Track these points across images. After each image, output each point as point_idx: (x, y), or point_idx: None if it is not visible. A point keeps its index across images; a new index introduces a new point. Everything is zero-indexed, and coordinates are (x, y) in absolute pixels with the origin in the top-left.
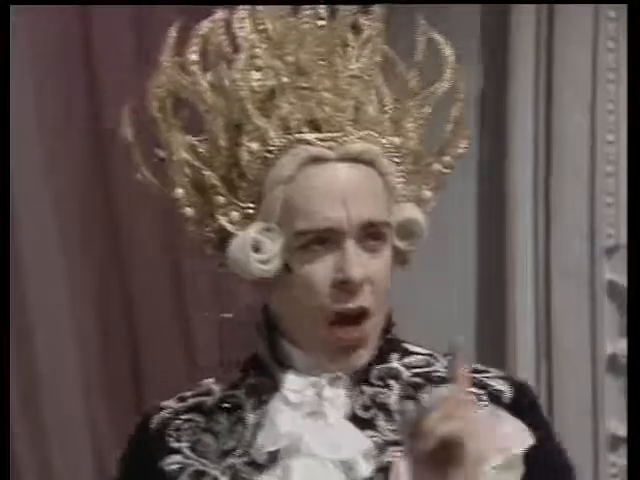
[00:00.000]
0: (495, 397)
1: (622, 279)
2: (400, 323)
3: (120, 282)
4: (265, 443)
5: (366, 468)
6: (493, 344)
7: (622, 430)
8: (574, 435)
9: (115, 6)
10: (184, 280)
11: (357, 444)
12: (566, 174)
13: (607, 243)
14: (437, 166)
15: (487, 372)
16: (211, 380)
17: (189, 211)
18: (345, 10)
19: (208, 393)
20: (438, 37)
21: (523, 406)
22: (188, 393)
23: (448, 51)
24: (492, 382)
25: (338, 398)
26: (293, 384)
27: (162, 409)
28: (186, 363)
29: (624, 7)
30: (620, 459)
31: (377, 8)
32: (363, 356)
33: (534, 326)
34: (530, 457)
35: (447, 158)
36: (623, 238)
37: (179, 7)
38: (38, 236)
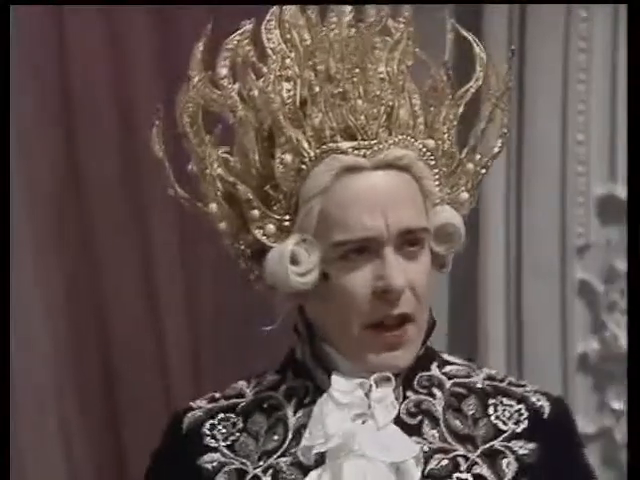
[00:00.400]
0: (535, 412)
1: (592, 278)
2: None
3: (91, 283)
4: (314, 444)
5: (417, 472)
6: (465, 343)
7: (591, 428)
8: None
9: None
10: (157, 282)
11: (407, 447)
12: (537, 174)
13: (578, 242)
14: (470, 166)
15: (525, 386)
16: (242, 382)
17: (223, 225)
18: (372, 15)
19: (241, 395)
20: (468, 35)
21: (562, 422)
22: (218, 394)
23: (478, 49)
24: (532, 398)
25: (387, 398)
26: (340, 385)
27: (194, 409)
28: (159, 364)
29: (596, 7)
30: (589, 457)
31: (406, 11)
32: (405, 357)
33: (505, 325)
34: (564, 474)
35: (479, 157)
36: (594, 237)
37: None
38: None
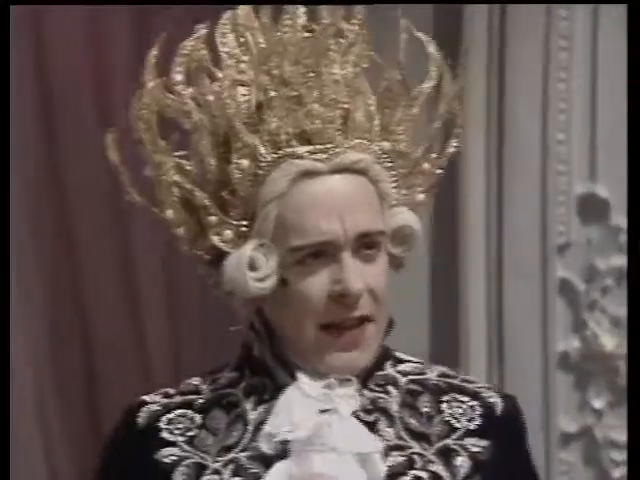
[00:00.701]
0: (488, 409)
1: (573, 277)
2: None
3: (72, 285)
4: (278, 431)
5: (383, 466)
6: (446, 342)
7: (572, 427)
8: None
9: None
10: (138, 284)
11: (373, 441)
12: (518, 172)
13: (558, 241)
14: (426, 166)
15: (476, 382)
16: (197, 379)
17: (181, 231)
18: (327, 17)
19: (197, 392)
20: (422, 35)
21: (514, 419)
22: (172, 390)
23: (432, 48)
24: (484, 394)
25: (348, 395)
26: (306, 381)
27: (147, 403)
28: (141, 367)
29: (576, 6)
30: (570, 456)
31: (360, 13)
32: (363, 358)
33: (486, 323)
34: (506, 469)
35: (434, 156)
36: (574, 236)
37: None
38: None
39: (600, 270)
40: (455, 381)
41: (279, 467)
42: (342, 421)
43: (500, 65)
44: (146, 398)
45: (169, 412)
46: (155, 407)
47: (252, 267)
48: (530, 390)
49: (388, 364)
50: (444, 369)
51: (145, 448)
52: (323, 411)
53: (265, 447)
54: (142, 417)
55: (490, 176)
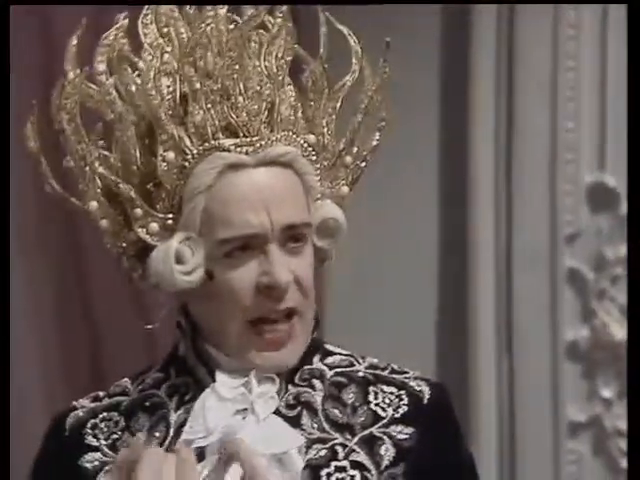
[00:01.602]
0: (415, 397)
1: (582, 266)
2: (364, 310)
3: (79, 278)
4: (193, 438)
5: (299, 462)
6: (455, 331)
7: (581, 416)
8: (534, 421)
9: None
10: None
11: (290, 439)
12: (527, 162)
13: (567, 230)
14: (348, 159)
15: (406, 373)
16: (126, 380)
17: (104, 224)
18: (252, 11)
19: (124, 393)
20: (343, 29)
21: (442, 406)
22: (102, 393)
23: (352, 41)
24: (412, 383)
25: (267, 394)
26: (224, 381)
27: (76, 408)
28: (147, 361)
29: None
30: (579, 445)
31: (283, 7)
32: (291, 356)
33: (495, 313)
34: (434, 455)
35: (355, 149)
36: (583, 225)
37: None
38: None
39: (609, 259)
40: (383, 372)
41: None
42: (258, 422)
43: (509, 54)
44: (75, 403)
45: (95, 416)
46: (81, 413)
47: (178, 260)
48: (539, 379)
49: (316, 358)
50: (374, 361)
51: (70, 454)
52: (240, 410)
53: None
54: (69, 423)
55: (499, 165)
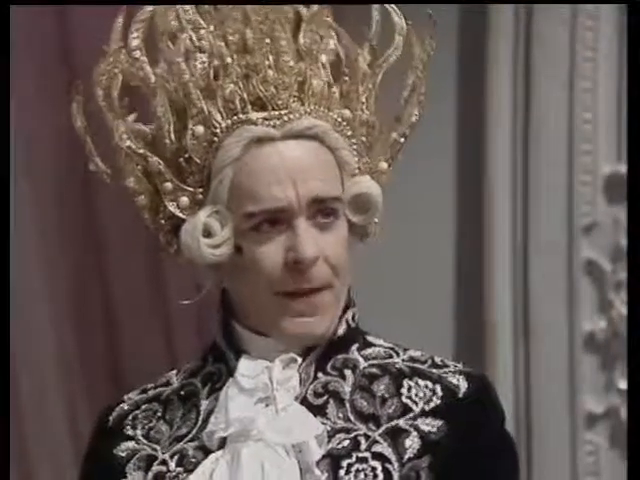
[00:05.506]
0: (450, 391)
1: (599, 257)
2: (379, 297)
3: (98, 271)
4: (216, 429)
5: (318, 451)
6: (471, 322)
7: (598, 408)
8: (551, 412)
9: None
10: (163, 268)
11: (309, 428)
12: (544, 152)
13: (584, 221)
14: (394, 135)
15: (447, 367)
16: (174, 371)
17: (142, 199)
18: None
19: (168, 383)
20: (387, 5)
21: (478, 400)
22: (150, 385)
23: (396, 17)
24: (450, 377)
25: (289, 381)
26: (246, 370)
27: (123, 402)
28: (166, 355)
29: None
30: (596, 437)
31: None
32: (321, 325)
33: (512, 304)
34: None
35: (402, 126)
36: (600, 216)
37: None
38: (16, 229)
39: (626, 250)
40: (422, 366)
41: (211, 458)
42: (278, 411)
43: (526, 45)
44: (125, 397)
45: (138, 408)
46: (126, 406)
47: (207, 234)
48: (556, 371)
49: (354, 347)
50: (416, 354)
51: (109, 445)
52: (262, 398)
53: (209, 444)
54: (113, 417)
55: (516, 156)
